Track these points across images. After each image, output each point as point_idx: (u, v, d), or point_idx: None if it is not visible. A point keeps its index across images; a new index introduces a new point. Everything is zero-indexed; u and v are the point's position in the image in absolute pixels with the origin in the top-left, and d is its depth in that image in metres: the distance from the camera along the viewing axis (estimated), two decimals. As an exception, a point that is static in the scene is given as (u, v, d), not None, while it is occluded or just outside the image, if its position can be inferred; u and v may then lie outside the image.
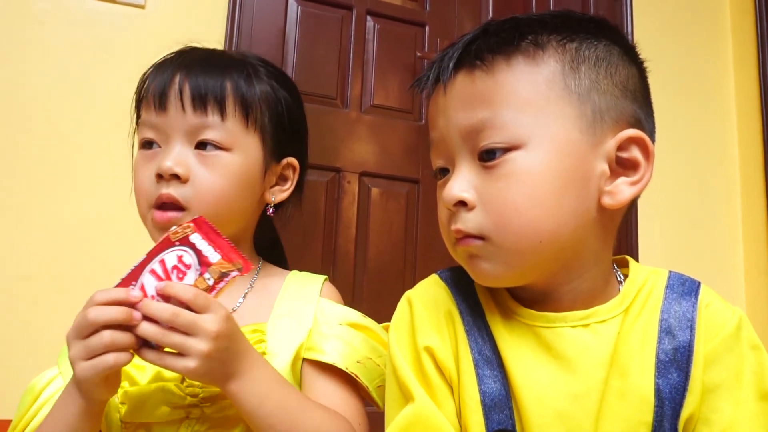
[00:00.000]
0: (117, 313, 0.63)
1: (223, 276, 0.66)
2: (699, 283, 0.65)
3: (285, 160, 0.88)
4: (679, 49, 2.19)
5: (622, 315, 0.62)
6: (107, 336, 0.62)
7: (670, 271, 0.65)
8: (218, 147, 0.79)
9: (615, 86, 0.60)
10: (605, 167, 0.59)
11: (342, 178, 1.91)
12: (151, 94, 0.80)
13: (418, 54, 2.07)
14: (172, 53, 0.87)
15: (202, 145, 0.79)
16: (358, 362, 0.79)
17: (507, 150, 0.58)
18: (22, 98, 1.61)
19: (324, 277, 0.89)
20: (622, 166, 0.60)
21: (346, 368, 0.77)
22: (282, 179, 0.90)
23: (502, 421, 0.60)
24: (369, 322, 0.84)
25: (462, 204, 0.61)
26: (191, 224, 0.69)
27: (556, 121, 0.58)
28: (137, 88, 0.86)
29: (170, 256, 0.67)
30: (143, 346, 0.64)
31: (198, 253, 0.67)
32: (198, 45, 0.90)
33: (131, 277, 0.67)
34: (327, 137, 1.88)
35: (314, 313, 0.82)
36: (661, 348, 0.59)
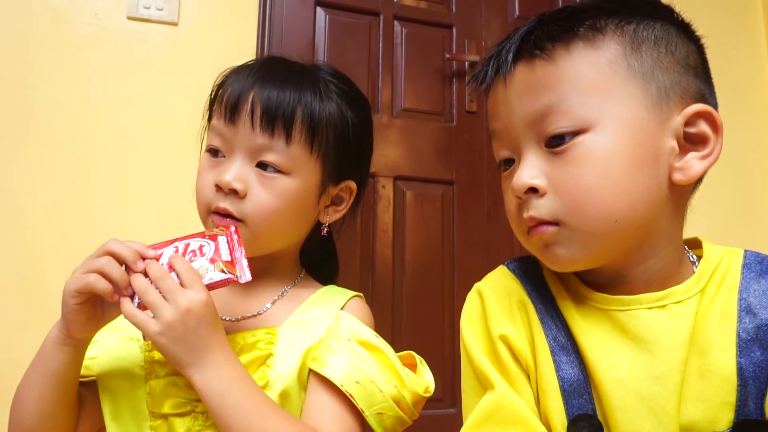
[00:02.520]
0: (126, 250, 0.71)
1: (222, 273, 0.73)
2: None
3: (343, 184, 0.89)
4: (711, 31, 2.16)
5: (698, 295, 0.61)
6: (104, 259, 0.70)
7: (745, 250, 0.64)
8: (278, 170, 0.81)
9: (677, 63, 0.60)
10: (674, 144, 0.59)
11: (377, 183, 1.93)
12: (225, 103, 0.81)
13: (447, 56, 2.07)
14: (253, 61, 0.88)
15: (262, 165, 0.81)
16: (357, 382, 0.76)
17: (575, 134, 0.59)
18: (66, 119, 1.67)
19: (354, 293, 0.88)
20: (690, 142, 0.60)
21: (341, 386, 0.75)
22: (338, 200, 0.90)
23: (582, 406, 0.60)
24: (382, 343, 0.81)
25: (533, 191, 0.61)
26: (224, 229, 0.77)
27: (621, 101, 0.59)
28: (213, 89, 0.87)
29: (195, 243, 0.75)
30: (130, 299, 0.71)
31: (216, 249, 0.75)
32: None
33: (158, 246, 0.75)
34: (360, 143, 1.90)
35: (329, 325, 0.81)
36: (741, 327, 0.58)
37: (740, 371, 0.57)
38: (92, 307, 0.73)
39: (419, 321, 1.86)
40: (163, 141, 1.72)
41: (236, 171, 0.79)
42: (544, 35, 0.62)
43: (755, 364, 0.57)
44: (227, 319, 0.82)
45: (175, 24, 1.78)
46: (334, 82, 0.87)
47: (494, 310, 0.66)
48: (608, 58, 0.60)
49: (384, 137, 1.96)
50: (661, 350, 0.59)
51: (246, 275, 0.74)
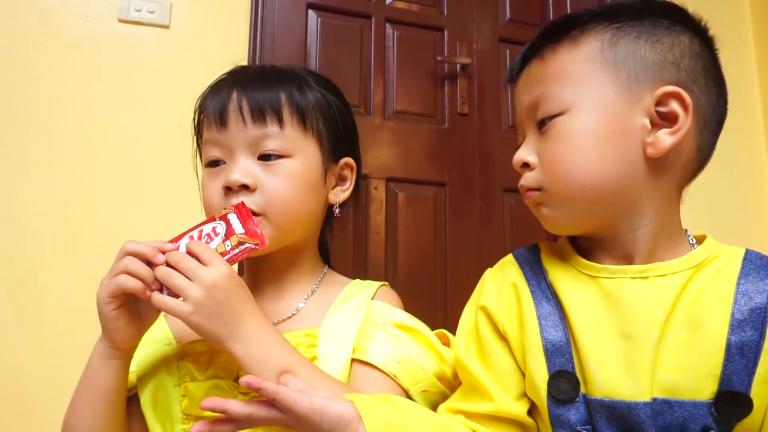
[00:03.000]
0: (144, 247, 0.73)
1: (240, 244, 0.75)
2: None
3: (342, 161, 0.92)
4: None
5: (690, 272, 0.67)
6: (126, 260, 0.72)
7: (747, 249, 0.70)
8: (280, 155, 0.83)
9: (655, 54, 0.68)
10: (645, 122, 0.68)
11: (369, 185, 1.93)
12: (211, 113, 0.84)
13: (438, 58, 2.08)
14: (224, 74, 0.90)
15: (264, 156, 0.83)
16: (398, 363, 0.79)
17: (555, 116, 0.70)
18: (57, 122, 1.67)
19: (381, 283, 0.91)
20: (664, 120, 0.68)
21: (384, 367, 0.78)
22: (341, 180, 0.93)
23: (563, 364, 0.68)
24: (417, 323, 0.84)
25: (526, 166, 0.73)
26: (232, 207, 0.79)
27: (593, 87, 0.69)
28: (196, 111, 0.90)
29: (207, 227, 0.78)
30: (158, 291, 0.73)
31: (228, 226, 0.77)
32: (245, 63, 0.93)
33: (175, 239, 0.77)
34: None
35: (363, 316, 0.83)
36: (737, 308, 0.64)
37: (728, 347, 0.62)
38: (129, 311, 0.74)
39: (412, 322, 1.86)
40: (156, 143, 1.72)
41: (241, 167, 0.82)
42: (540, 42, 0.74)
43: (744, 343, 0.62)
44: None
45: (166, 27, 1.78)
46: (311, 76, 0.92)
47: (487, 289, 0.79)
48: (585, 52, 0.70)
49: (376, 139, 1.96)
50: (634, 313, 0.66)
51: (263, 241, 0.76)
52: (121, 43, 1.74)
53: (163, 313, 0.86)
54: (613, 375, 0.65)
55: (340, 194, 0.92)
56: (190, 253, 0.73)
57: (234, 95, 0.83)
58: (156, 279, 0.72)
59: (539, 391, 0.69)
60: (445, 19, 2.13)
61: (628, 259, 0.71)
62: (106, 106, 1.71)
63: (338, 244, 1.83)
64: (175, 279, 0.71)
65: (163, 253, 0.73)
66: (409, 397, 0.79)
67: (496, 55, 2.17)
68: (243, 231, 0.76)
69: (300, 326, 0.82)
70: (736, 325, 0.63)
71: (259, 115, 0.82)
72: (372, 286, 0.90)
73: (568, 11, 2.29)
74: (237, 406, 0.60)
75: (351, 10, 2.02)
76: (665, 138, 0.67)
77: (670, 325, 0.65)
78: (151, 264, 0.73)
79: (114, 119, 1.71)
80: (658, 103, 0.68)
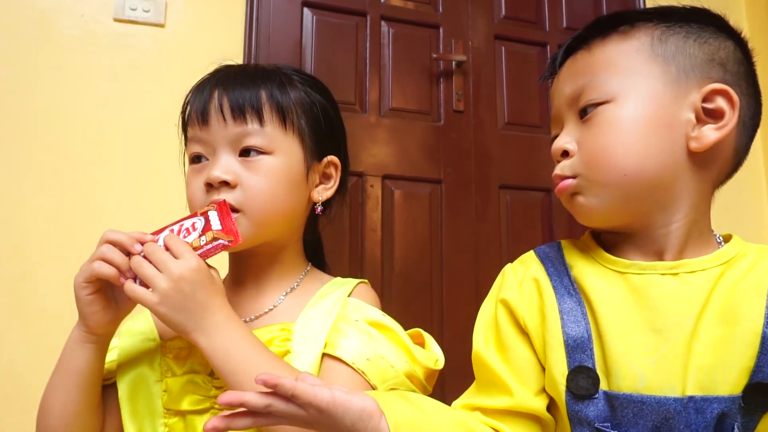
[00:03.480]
0: (123, 236, 0.75)
1: (213, 240, 0.77)
2: None
3: (326, 159, 0.92)
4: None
5: (721, 268, 0.68)
6: (104, 247, 0.74)
7: None
8: (261, 152, 0.84)
9: (703, 53, 0.70)
10: (691, 116, 0.68)
11: (365, 182, 1.94)
12: (194, 111, 0.85)
13: (434, 55, 2.09)
14: (208, 74, 0.90)
15: (245, 152, 0.83)
16: (368, 360, 0.79)
17: (600, 104, 0.70)
18: (52, 121, 1.67)
19: (360, 280, 0.91)
20: (710, 116, 0.68)
21: (353, 363, 0.78)
22: (325, 178, 0.93)
23: (584, 360, 0.68)
24: (390, 321, 0.84)
25: (565, 154, 0.72)
26: (215, 205, 0.80)
27: (642, 78, 0.69)
28: (182, 110, 0.91)
29: (188, 222, 0.80)
30: (133, 280, 0.75)
31: (207, 222, 0.79)
32: (231, 62, 0.94)
33: (157, 232, 0.79)
34: (348, 142, 1.90)
35: (338, 312, 0.83)
36: None
37: (764, 340, 0.62)
38: (105, 298, 0.76)
39: (408, 319, 1.84)
40: (151, 142, 1.72)
41: (222, 164, 0.82)
42: (588, 34, 0.74)
43: None
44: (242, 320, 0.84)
45: (161, 26, 1.78)
46: (295, 74, 0.92)
47: (508, 282, 0.78)
48: (636, 45, 0.70)
49: (372, 137, 1.97)
50: (664, 308, 0.66)
51: (237, 238, 0.78)
52: (116, 42, 1.75)
53: None
54: (642, 369, 0.65)
55: (323, 192, 0.92)
56: (165, 246, 0.75)
57: (215, 94, 0.84)
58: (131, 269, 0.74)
59: (558, 386, 0.68)
60: (441, 16, 2.13)
61: (658, 255, 0.70)
62: (101, 105, 1.71)
63: (334, 241, 1.84)
64: (145, 269, 0.73)
65: (142, 244, 0.75)
66: None
67: (491, 52, 2.18)
68: (220, 228, 0.78)
69: (276, 321, 0.83)
70: None
71: (239, 113, 0.83)
72: (350, 283, 0.90)
73: (563, 8, 2.30)
74: (255, 398, 0.58)
75: (346, 8, 2.03)
76: (710, 133, 0.67)
77: (703, 320, 0.65)
78: (129, 254, 0.75)
79: (109, 118, 1.71)
80: (705, 99, 0.68)
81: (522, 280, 0.76)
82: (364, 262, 1.89)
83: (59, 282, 1.58)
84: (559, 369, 0.69)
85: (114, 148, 1.70)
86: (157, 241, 0.76)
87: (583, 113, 0.71)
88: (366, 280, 0.92)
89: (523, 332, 0.73)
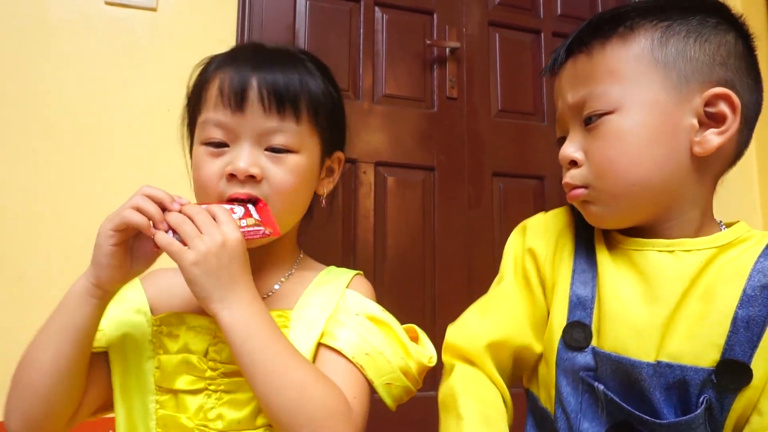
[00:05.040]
0: (161, 192, 0.73)
1: (255, 226, 0.76)
2: None
3: (335, 154, 0.93)
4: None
5: (715, 250, 0.70)
6: (139, 198, 0.73)
7: None
8: (288, 150, 0.82)
9: (704, 54, 0.70)
10: (694, 121, 0.69)
11: (358, 169, 1.94)
12: (227, 93, 0.81)
13: (428, 42, 2.08)
14: (231, 51, 0.88)
15: (273, 149, 0.82)
16: (366, 354, 0.79)
17: (604, 114, 0.71)
18: (44, 107, 1.66)
19: (356, 271, 0.92)
20: (712, 120, 0.69)
21: (353, 358, 0.78)
22: (330, 171, 0.94)
23: (582, 317, 0.73)
24: (388, 317, 0.85)
25: (573, 164, 0.75)
26: (252, 202, 0.79)
27: (643, 87, 0.70)
28: (195, 83, 0.87)
29: (224, 206, 0.77)
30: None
31: (246, 210, 0.78)
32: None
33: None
34: (341, 129, 1.90)
35: (336, 303, 0.84)
36: (749, 284, 0.66)
37: (735, 320, 0.65)
38: (124, 253, 0.74)
39: (400, 306, 1.87)
40: (144, 127, 1.71)
41: (249, 157, 0.80)
42: (587, 34, 0.74)
43: (751, 318, 0.65)
44: None
45: (153, 9, 1.77)
46: (312, 60, 0.91)
47: (534, 228, 0.82)
48: (635, 51, 0.71)
49: (365, 123, 1.96)
50: (657, 283, 0.70)
51: (277, 230, 0.78)
52: (108, 26, 1.73)
53: (140, 280, 0.87)
54: (624, 333, 0.69)
55: (327, 186, 0.93)
56: (208, 212, 0.74)
57: (254, 80, 0.81)
58: (166, 222, 0.73)
59: (554, 335, 0.74)
60: (435, 2, 2.12)
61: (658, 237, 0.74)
62: (93, 90, 1.69)
63: (327, 228, 1.84)
64: (187, 227, 0.71)
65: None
66: (371, 388, 0.80)
67: (485, 38, 2.17)
68: (258, 219, 0.77)
69: (273, 307, 0.83)
70: (745, 300, 0.65)
71: (279, 107, 0.81)
72: (347, 274, 0.90)
73: (558, -5, 2.29)
74: None
75: (340, -7, 2.02)
76: (713, 138, 0.69)
77: (687, 297, 0.68)
78: (165, 210, 0.74)
79: (101, 102, 1.70)
80: (707, 104, 0.69)
81: (548, 231, 0.81)
82: (356, 249, 1.89)
83: (48, 263, 1.58)
84: (558, 321, 0.74)
85: (106, 133, 1.69)
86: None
87: (588, 121, 0.72)
88: (361, 272, 0.93)
89: (542, 283, 0.79)
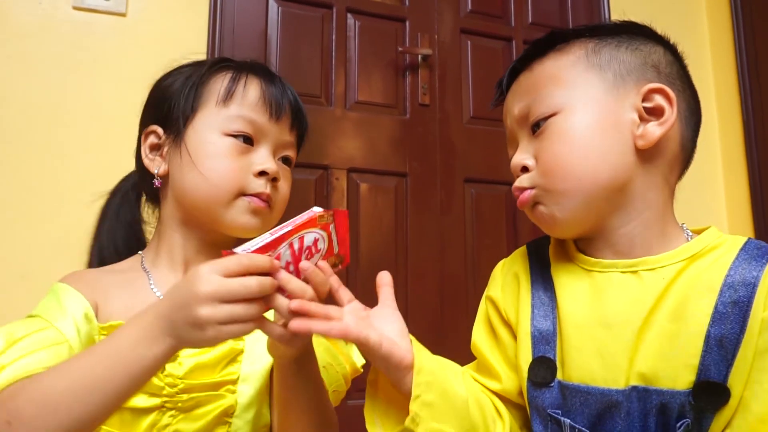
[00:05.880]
0: (267, 286, 0.62)
1: (333, 266, 0.72)
2: None
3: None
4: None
5: (683, 263, 0.70)
6: (242, 308, 0.61)
7: (749, 238, 0.72)
8: (291, 163, 0.93)
9: (636, 58, 0.74)
10: (634, 116, 0.72)
11: (330, 175, 1.93)
12: (269, 98, 0.88)
13: (400, 49, 2.09)
14: (248, 60, 0.93)
15: (284, 160, 0.91)
16: (323, 368, 0.84)
17: (548, 117, 0.73)
18: (8, 112, 1.62)
19: None
20: (651, 114, 0.72)
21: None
22: None
23: (546, 352, 0.73)
24: None
25: (524, 170, 0.76)
26: (333, 215, 0.72)
27: (582, 88, 0.73)
28: (234, 80, 0.87)
29: (309, 237, 0.69)
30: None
31: (329, 241, 0.72)
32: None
33: (270, 246, 0.65)
34: (313, 135, 1.88)
35: None
36: (720, 301, 0.65)
37: (708, 339, 0.64)
38: None
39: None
40: (110, 134, 1.68)
41: (273, 161, 0.87)
42: (529, 55, 0.78)
43: (723, 336, 0.63)
44: None
45: (122, 15, 1.75)
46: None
47: (494, 280, 0.85)
48: (572, 59, 0.75)
49: (337, 130, 1.96)
50: (617, 305, 0.70)
51: (347, 260, 0.76)
52: (76, 30, 1.70)
53: (67, 282, 0.82)
54: (589, 361, 0.69)
55: None
56: (306, 279, 0.66)
57: (289, 96, 0.90)
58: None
59: (522, 373, 0.74)
60: (407, 9, 2.13)
61: (624, 255, 0.73)
62: (59, 96, 1.66)
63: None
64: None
65: (272, 275, 0.64)
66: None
67: (457, 46, 2.19)
68: (338, 249, 0.72)
69: None
70: (717, 318, 0.64)
71: (299, 125, 0.91)
72: None
73: (529, 4, 2.32)
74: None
75: (312, 0, 2.01)
76: (654, 129, 0.71)
77: (655, 317, 0.67)
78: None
79: (67, 109, 1.66)
80: (644, 99, 0.72)
81: (506, 276, 0.83)
82: (329, 256, 1.88)
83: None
84: (524, 358, 0.74)
85: (71, 140, 1.66)
86: (279, 258, 0.65)
87: (535, 128, 0.75)
88: None
89: (507, 325, 0.80)
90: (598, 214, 0.73)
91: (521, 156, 0.76)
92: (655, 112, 0.72)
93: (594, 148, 0.71)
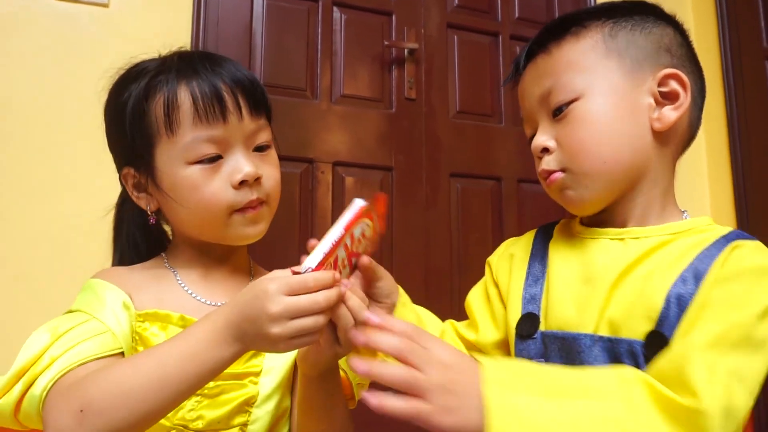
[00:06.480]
0: (333, 299, 0.67)
1: (373, 245, 0.80)
2: (754, 237, 0.74)
3: None
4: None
5: (666, 237, 0.75)
6: (310, 321, 0.65)
7: (735, 229, 0.77)
8: (268, 146, 0.87)
9: (650, 42, 0.78)
10: (651, 101, 0.77)
11: (315, 169, 1.93)
12: (204, 105, 0.80)
13: (386, 42, 2.08)
14: (171, 62, 0.85)
15: (259, 148, 0.85)
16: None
17: (570, 103, 0.77)
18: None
19: None
20: (666, 98, 0.77)
21: (353, 379, 0.88)
22: None
23: (533, 310, 0.79)
24: None
25: (545, 151, 0.80)
26: (374, 201, 0.79)
27: (601, 74, 0.77)
28: (166, 105, 0.81)
29: (358, 230, 0.75)
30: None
31: (374, 227, 0.80)
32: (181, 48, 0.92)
33: (329, 255, 0.71)
34: (299, 129, 1.89)
35: None
36: (686, 270, 0.71)
37: (668, 297, 0.69)
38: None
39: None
40: (93, 126, 1.65)
41: (248, 161, 0.82)
42: (544, 37, 0.81)
43: (681, 295, 0.69)
44: (211, 303, 0.85)
45: (105, 5, 1.72)
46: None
47: (498, 251, 0.93)
48: (589, 44, 0.78)
49: (323, 123, 1.95)
50: (598, 264, 0.77)
51: (383, 226, 0.81)
52: (57, 21, 1.68)
53: (101, 278, 0.83)
54: (567, 310, 0.76)
55: None
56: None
57: (224, 87, 0.81)
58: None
59: (510, 329, 0.81)
60: (394, 3, 2.13)
61: (622, 224, 0.79)
62: (39, 87, 1.64)
63: (284, 229, 1.83)
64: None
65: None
66: (352, 390, 0.90)
67: (443, 40, 2.18)
68: (378, 229, 0.80)
69: None
70: (680, 282, 0.70)
71: (257, 109, 0.84)
72: None
73: (514, -2, 2.32)
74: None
75: (298, -7, 2.00)
76: (670, 113, 0.76)
77: (630, 276, 0.73)
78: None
79: (48, 101, 1.64)
80: (660, 84, 0.77)
81: (506, 249, 0.91)
82: (314, 250, 1.88)
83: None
84: (513, 316, 0.81)
85: (52, 133, 1.63)
86: (336, 263, 0.72)
87: (557, 112, 0.78)
88: None
89: (497, 286, 0.88)
90: (619, 191, 0.78)
91: (542, 137, 0.80)
92: (670, 96, 0.77)
93: (615, 132, 0.76)
